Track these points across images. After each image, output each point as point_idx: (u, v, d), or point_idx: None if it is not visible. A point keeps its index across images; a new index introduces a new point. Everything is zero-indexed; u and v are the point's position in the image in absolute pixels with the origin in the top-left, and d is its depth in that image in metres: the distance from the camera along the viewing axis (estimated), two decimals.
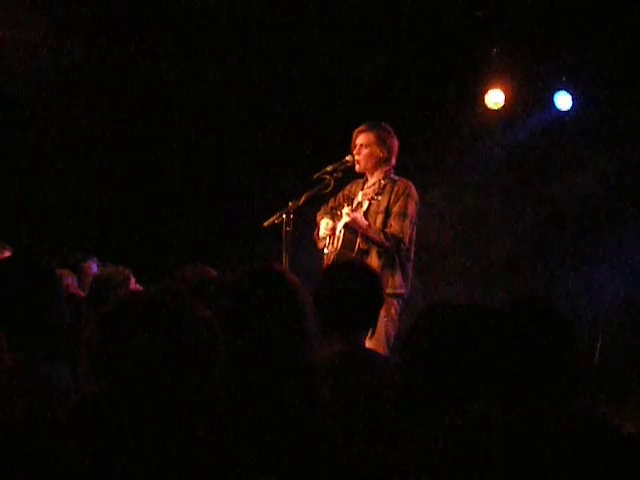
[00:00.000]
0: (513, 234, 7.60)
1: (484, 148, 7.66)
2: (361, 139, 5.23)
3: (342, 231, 5.13)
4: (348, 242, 5.08)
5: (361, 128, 5.26)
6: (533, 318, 2.19)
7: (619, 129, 7.20)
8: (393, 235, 5.03)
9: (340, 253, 5.08)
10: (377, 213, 5.13)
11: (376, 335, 4.79)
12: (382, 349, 4.79)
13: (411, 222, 5.12)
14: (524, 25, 7.13)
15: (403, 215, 5.09)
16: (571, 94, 7.40)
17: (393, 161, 5.27)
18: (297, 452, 2.02)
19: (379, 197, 5.06)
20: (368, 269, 3.26)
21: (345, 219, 5.09)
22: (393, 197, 5.12)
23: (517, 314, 2.18)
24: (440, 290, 7.28)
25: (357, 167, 5.27)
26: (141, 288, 4.50)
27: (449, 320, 1.92)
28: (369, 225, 5.06)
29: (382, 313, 4.93)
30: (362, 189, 5.32)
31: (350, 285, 3.01)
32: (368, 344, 4.64)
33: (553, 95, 7.45)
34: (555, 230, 7.60)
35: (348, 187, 5.43)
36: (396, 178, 5.23)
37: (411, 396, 1.83)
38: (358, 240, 5.06)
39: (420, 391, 1.82)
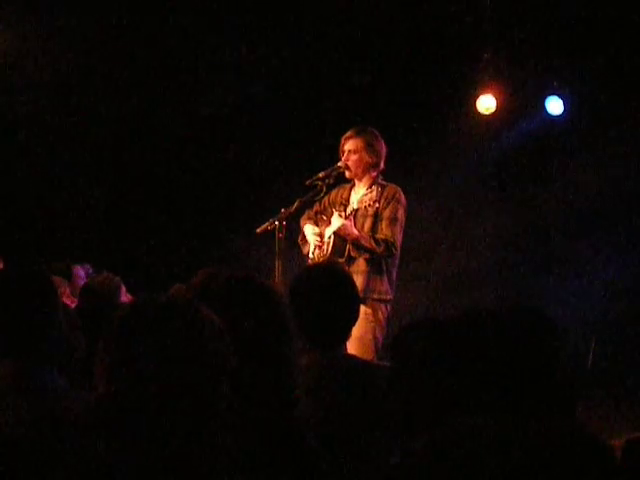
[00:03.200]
0: (500, 239, 7.61)
1: (475, 153, 7.68)
2: (349, 145, 5.24)
3: (332, 237, 5.15)
4: (338, 248, 5.11)
5: (348, 134, 5.27)
6: (519, 325, 2.08)
7: (610, 134, 7.22)
8: (384, 240, 5.05)
9: (329, 259, 5.10)
10: (365, 217, 5.15)
11: (364, 340, 4.86)
12: (370, 354, 4.83)
13: (401, 227, 5.16)
14: (515, 30, 7.15)
15: (394, 220, 5.12)
16: (562, 99, 7.43)
17: (382, 165, 5.28)
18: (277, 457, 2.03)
19: (376, 204, 5.09)
20: (341, 273, 3.11)
21: (336, 225, 5.10)
22: (382, 202, 5.14)
23: (502, 321, 2.13)
24: (421, 294, 7.25)
25: (347, 173, 5.28)
26: (131, 297, 4.50)
27: (431, 336, 1.83)
28: (359, 233, 5.08)
29: (369, 318, 4.99)
30: (349, 193, 5.34)
31: (325, 292, 2.88)
32: (356, 350, 4.68)
33: (544, 100, 7.47)
34: (540, 236, 7.63)
35: (335, 191, 5.43)
36: (385, 183, 5.26)
37: (400, 407, 1.78)
38: (348, 247, 5.09)
39: (408, 403, 1.77)
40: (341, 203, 5.34)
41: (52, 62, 6.94)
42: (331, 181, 5.29)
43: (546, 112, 7.48)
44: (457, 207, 7.68)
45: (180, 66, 7.43)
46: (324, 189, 5.29)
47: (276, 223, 5.11)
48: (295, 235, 5.45)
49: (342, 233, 5.09)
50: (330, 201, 5.40)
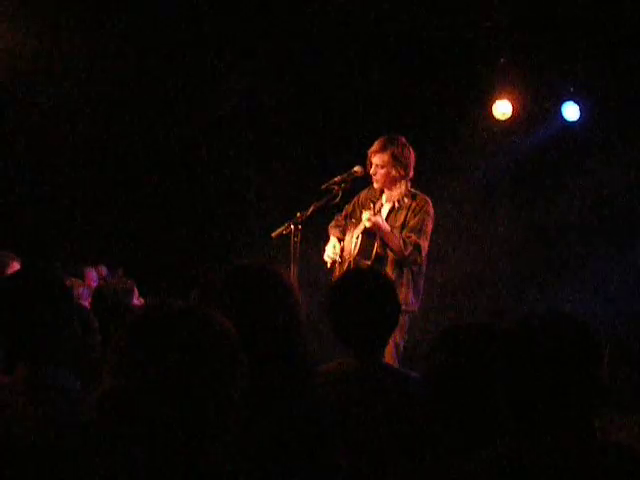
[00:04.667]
0: (514, 243, 7.58)
1: (491, 158, 7.66)
2: (376, 159, 5.20)
3: (360, 237, 5.14)
4: (365, 249, 5.08)
5: (375, 148, 5.20)
6: (553, 333, 1.95)
7: (626, 140, 7.19)
8: (412, 244, 5.05)
9: (356, 260, 5.09)
10: (393, 228, 5.14)
11: (387, 348, 4.83)
12: (391, 360, 4.81)
13: (427, 238, 5.16)
14: (532, 36, 7.14)
15: (420, 230, 5.12)
16: (578, 105, 7.40)
17: (411, 174, 5.27)
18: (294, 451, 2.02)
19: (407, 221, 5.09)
20: (383, 279, 3.02)
21: (365, 224, 5.06)
22: (410, 213, 5.14)
23: (533, 330, 2.04)
24: (433, 298, 7.20)
25: (375, 184, 5.29)
26: (143, 301, 4.50)
27: (472, 342, 1.75)
28: (391, 229, 5.07)
29: None
30: (379, 196, 5.33)
31: (365, 299, 2.80)
32: None
33: (560, 105, 7.45)
34: (555, 241, 7.59)
35: (364, 194, 5.43)
36: (415, 193, 5.25)
37: (438, 423, 1.68)
38: (375, 246, 5.07)
39: (446, 419, 1.66)
40: (374, 202, 5.32)
41: (64, 65, 6.97)
42: (347, 185, 5.27)
43: (562, 117, 7.46)
44: (472, 211, 7.66)
45: (195, 68, 7.45)
46: (340, 193, 5.27)
47: (292, 227, 5.10)
48: (309, 239, 5.44)
49: (373, 229, 5.05)
50: (360, 203, 5.40)
